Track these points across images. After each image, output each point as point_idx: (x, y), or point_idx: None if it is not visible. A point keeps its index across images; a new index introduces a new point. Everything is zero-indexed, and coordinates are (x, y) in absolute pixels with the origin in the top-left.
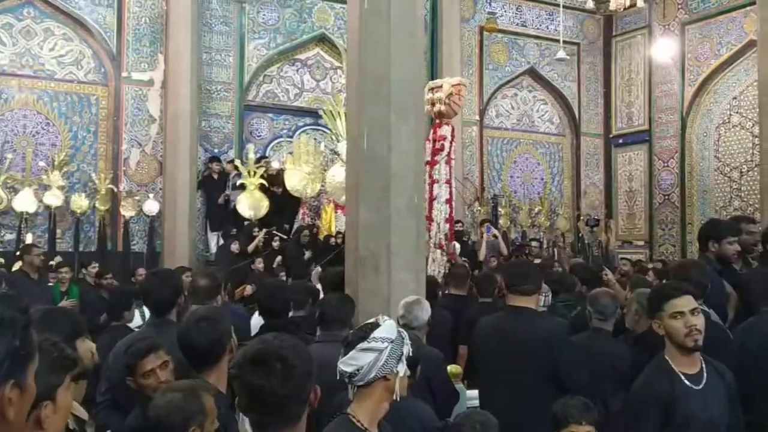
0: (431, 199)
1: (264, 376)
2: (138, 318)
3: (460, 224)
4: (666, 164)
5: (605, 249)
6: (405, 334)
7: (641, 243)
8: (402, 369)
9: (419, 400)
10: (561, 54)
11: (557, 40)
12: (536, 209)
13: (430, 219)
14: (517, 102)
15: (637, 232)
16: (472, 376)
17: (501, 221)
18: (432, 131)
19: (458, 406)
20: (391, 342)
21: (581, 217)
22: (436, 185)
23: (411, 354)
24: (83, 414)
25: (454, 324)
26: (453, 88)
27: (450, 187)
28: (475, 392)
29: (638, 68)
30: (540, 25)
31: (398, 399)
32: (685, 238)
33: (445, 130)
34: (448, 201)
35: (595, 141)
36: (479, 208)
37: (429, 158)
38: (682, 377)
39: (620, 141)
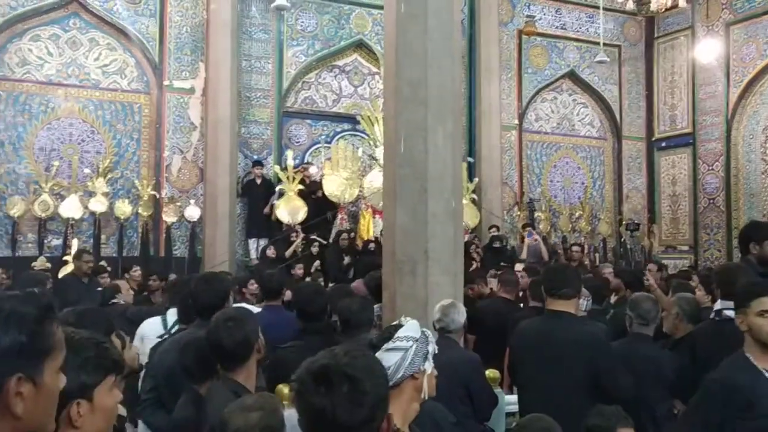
0: None
1: (327, 397)
2: (159, 326)
3: (495, 229)
4: (711, 167)
5: (648, 254)
6: (429, 333)
7: (686, 248)
8: (429, 367)
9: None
10: (601, 56)
11: (597, 43)
12: (577, 214)
13: None
14: (556, 105)
15: (681, 236)
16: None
17: (541, 226)
18: None
19: (496, 411)
20: (416, 341)
21: (623, 222)
22: None
23: (437, 352)
24: (122, 411)
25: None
26: None
27: None
28: (514, 397)
29: (681, 70)
30: (580, 28)
31: (426, 398)
32: (731, 243)
33: None
34: None
35: (637, 144)
36: (518, 212)
37: None
38: (766, 374)
39: (663, 144)
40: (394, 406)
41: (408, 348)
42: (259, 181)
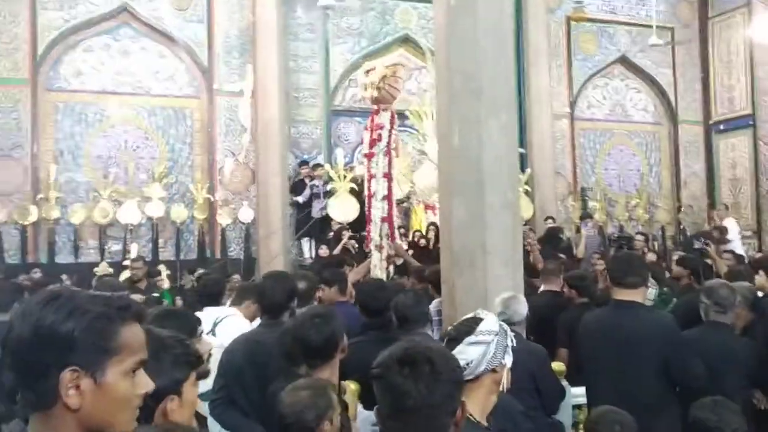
0: (369, 197)
1: (411, 378)
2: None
3: (551, 220)
4: None
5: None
6: (506, 326)
7: (748, 233)
8: (509, 360)
9: None
10: (654, 40)
11: (650, 26)
12: (633, 202)
13: (368, 219)
14: (608, 92)
15: (743, 221)
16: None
17: (597, 215)
18: (369, 119)
19: (563, 403)
20: (496, 334)
21: (682, 209)
22: (373, 180)
23: (515, 345)
24: (204, 411)
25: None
26: (387, 69)
27: (389, 182)
28: (580, 389)
29: (738, 50)
30: (630, 11)
31: (505, 390)
32: None
33: (384, 118)
34: (387, 198)
35: (694, 128)
36: (573, 203)
37: (366, 150)
38: None
39: (721, 127)
40: (473, 398)
41: (490, 342)
42: (308, 181)
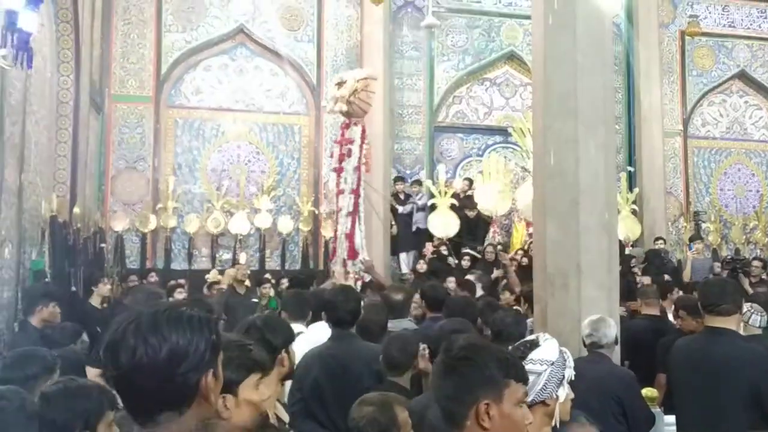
0: (337, 212)
1: (438, 361)
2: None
3: (661, 241)
4: None
5: None
6: (568, 355)
7: None
8: (563, 394)
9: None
10: None
11: None
12: (751, 224)
13: (335, 234)
14: (726, 109)
15: None
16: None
17: (710, 238)
18: (340, 133)
19: (655, 430)
20: (551, 365)
21: None
22: (341, 196)
23: (573, 378)
24: (284, 415)
25: None
26: (358, 83)
27: (356, 198)
28: (673, 417)
29: None
30: (751, 24)
31: (557, 425)
32: None
33: (354, 133)
34: (351, 214)
35: None
36: (684, 224)
37: (336, 165)
38: None
39: None
40: None
41: (541, 372)
42: (402, 196)
